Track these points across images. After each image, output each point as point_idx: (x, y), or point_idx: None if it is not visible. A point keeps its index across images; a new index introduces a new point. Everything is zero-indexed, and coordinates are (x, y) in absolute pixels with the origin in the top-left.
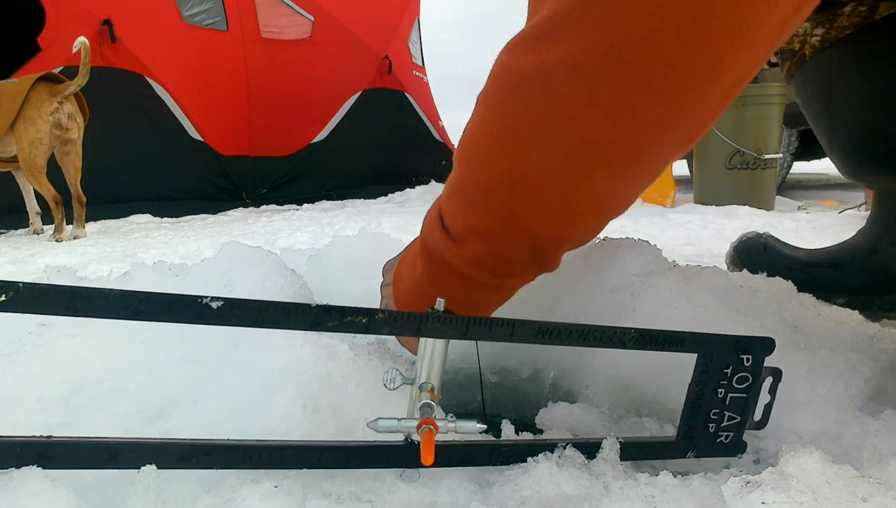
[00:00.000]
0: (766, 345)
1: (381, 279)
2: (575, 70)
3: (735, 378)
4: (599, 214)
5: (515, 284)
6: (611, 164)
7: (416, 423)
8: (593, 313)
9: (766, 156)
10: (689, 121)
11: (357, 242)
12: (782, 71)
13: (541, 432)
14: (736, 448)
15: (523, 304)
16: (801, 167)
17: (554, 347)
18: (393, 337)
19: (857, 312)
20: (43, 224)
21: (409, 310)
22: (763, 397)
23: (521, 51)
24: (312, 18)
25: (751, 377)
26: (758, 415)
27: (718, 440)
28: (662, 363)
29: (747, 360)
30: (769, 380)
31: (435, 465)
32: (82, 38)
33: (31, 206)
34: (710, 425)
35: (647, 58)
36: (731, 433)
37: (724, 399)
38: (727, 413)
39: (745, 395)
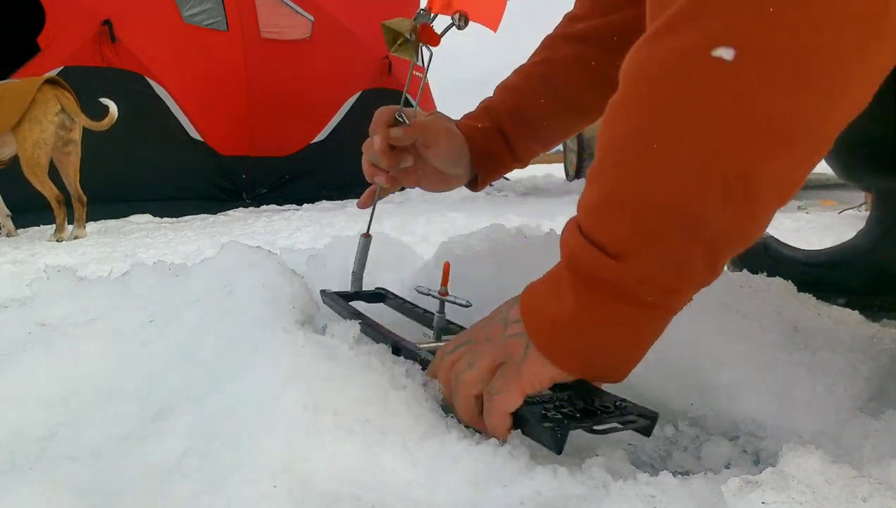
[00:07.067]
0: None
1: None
2: (738, 40)
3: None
4: (780, 197)
5: (681, 302)
6: (791, 141)
7: None
8: None
9: None
10: (857, 79)
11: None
12: None
13: None
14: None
15: None
16: None
17: None
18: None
19: (857, 312)
20: (42, 225)
21: (556, 349)
22: None
23: (663, 39)
24: (312, 18)
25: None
26: None
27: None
28: (663, 363)
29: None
30: None
31: None
32: (113, 107)
33: (0, 209)
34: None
35: (812, 14)
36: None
37: None
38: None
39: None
